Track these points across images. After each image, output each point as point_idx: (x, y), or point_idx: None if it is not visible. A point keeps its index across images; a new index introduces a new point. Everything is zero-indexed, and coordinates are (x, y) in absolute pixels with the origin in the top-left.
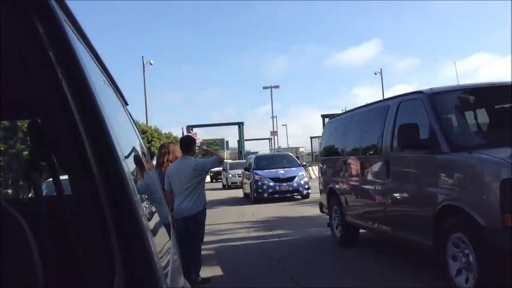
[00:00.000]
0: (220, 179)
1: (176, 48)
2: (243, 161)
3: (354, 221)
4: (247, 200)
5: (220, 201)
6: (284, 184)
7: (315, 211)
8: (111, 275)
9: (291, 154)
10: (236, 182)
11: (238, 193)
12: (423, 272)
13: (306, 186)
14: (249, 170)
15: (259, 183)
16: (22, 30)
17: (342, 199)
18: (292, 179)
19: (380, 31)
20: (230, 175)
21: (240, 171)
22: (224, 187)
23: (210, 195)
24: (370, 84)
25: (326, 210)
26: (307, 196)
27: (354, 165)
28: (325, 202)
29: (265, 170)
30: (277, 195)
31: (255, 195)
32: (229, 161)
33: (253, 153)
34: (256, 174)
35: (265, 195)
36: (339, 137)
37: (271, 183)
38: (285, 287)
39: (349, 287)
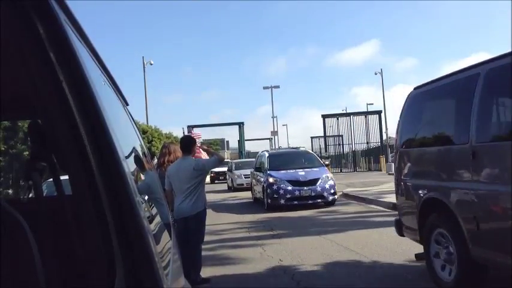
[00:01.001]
0: (223, 180)
1: (176, 49)
2: (251, 159)
3: (498, 258)
4: (258, 206)
5: (226, 207)
6: (305, 188)
7: (312, 211)
8: (111, 275)
9: (311, 151)
10: (243, 184)
11: (246, 196)
12: None
13: (332, 191)
14: (261, 171)
15: (275, 187)
16: (23, 31)
17: (465, 219)
18: (314, 182)
19: (379, 31)
20: (236, 176)
21: (247, 171)
22: (230, 189)
23: (214, 199)
24: (370, 84)
25: (412, 233)
26: (332, 203)
27: (502, 159)
28: (412, 221)
29: (282, 171)
30: (296, 202)
31: (269, 201)
32: (235, 160)
33: (254, 153)
34: (271, 176)
35: (282, 201)
36: (446, 113)
37: (290, 188)
38: (285, 286)
39: (349, 286)
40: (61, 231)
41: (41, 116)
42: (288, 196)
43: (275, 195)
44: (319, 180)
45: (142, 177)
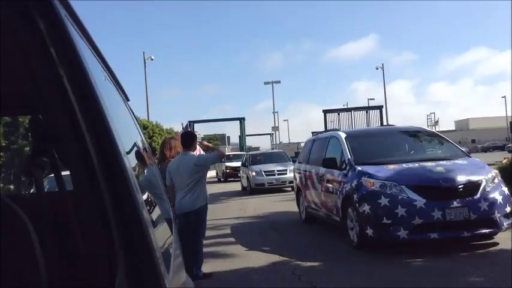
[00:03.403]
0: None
1: (176, 45)
2: (277, 150)
3: None
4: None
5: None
6: (455, 204)
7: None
8: (112, 270)
9: (423, 127)
10: (263, 184)
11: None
12: None
13: (508, 209)
14: (335, 167)
15: (384, 200)
16: (23, 27)
17: None
18: (472, 189)
19: (377, 26)
20: (254, 173)
21: (269, 166)
22: (244, 190)
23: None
24: (369, 79)
25: None
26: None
27: None
28: None
29: (390, 166)
30: (435, 236)
31: (369, 231)
32: (253, 152)
33: (254, 148)
34: (370, 175)
35: (403, 234)
36: None
37: (420, 201)
38: (286, 281)
39: (349, 282)
40: (62, 227)
41: (41, 111)
42: (418, 222)
43: (386, 220)
44: (482, 186)
45: (144, 172)
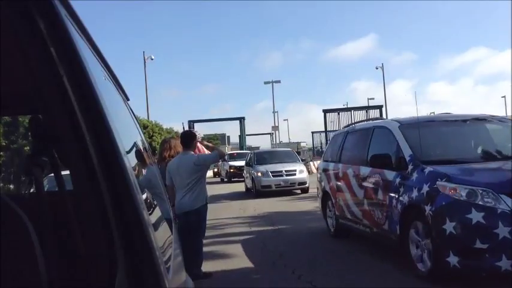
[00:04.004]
0: (240, 178)
1: (176, 45)
2: (284, 149)
3: None
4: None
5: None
6: None
7: (313, 205)
8: (112, 270)
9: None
10: (270, 186)
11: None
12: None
13: None
14: (389, 166)
15: (490, 215)
16: (23, 27)
17: None
18: None
19: (376, 26)
20: (259, 173)
21: (277, 166)
22: (248, 191)
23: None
24: (369, 79)
25: None
26: None
27: None
28: None
29: (477, 167)
30: None
31: (455, 262)
32: (258, 150)
33: (254, 148)
34: (451, 181)
35: (506, 264)
36: None
37: None
38: (286, 281)
39: (350, 281)
40: (62, 227)
41: (41, 111)
42: None
43: (480, 244)
44: None
45: (144, 172)
